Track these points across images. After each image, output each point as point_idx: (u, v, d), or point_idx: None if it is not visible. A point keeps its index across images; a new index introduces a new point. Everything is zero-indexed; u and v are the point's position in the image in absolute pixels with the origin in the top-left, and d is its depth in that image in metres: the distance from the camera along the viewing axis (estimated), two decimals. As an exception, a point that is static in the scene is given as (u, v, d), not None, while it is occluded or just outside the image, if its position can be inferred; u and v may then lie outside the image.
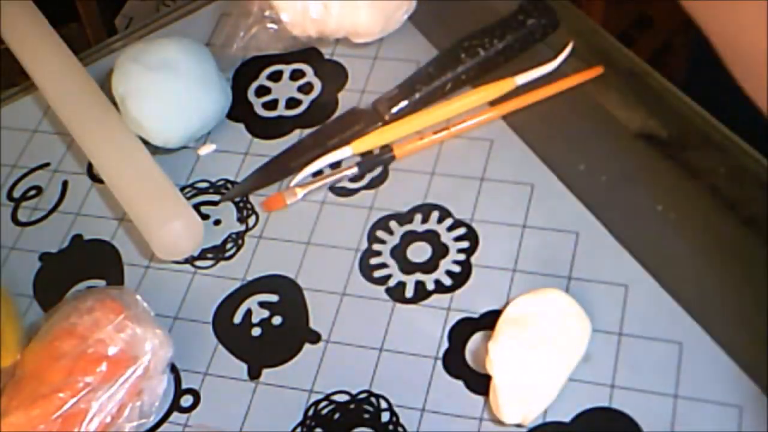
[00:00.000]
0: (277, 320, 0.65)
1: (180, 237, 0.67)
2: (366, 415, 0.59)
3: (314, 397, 0.61)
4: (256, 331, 0.65)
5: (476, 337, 0.61)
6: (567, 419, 0.57)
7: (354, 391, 0.60)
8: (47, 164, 0.77)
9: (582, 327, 0.58)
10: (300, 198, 0.70)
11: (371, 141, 0.71)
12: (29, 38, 0.80)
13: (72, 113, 0.75)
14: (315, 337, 0.63)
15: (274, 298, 0.66)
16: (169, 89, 0.72)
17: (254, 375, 0.62)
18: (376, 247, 0.67)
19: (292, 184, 0.70)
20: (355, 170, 0.70)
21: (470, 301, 0.63)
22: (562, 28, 0.73)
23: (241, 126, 0.76)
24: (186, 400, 0.63)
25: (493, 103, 0.71)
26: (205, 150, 0.75)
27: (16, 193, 0.76)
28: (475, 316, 0.62)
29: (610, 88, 0.71)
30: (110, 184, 0.71)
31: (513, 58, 0.72)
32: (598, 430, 0.57)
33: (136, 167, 0.71)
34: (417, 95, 0.72)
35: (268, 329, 0.65)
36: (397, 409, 0.59)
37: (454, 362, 0.60)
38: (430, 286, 0.64)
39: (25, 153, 0.78)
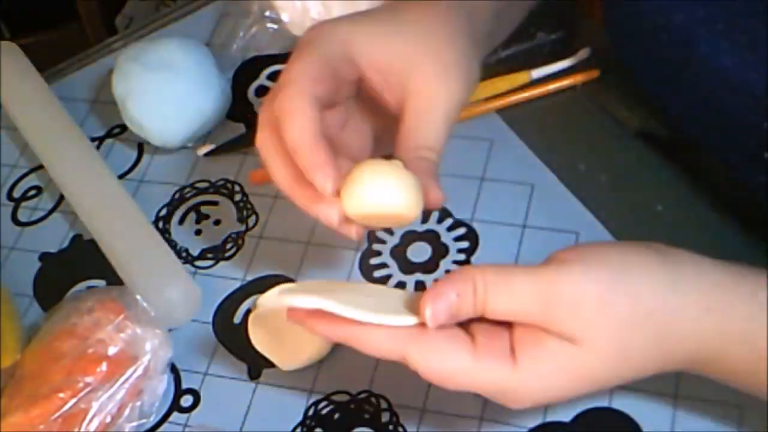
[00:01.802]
0: (277, 320, 0.65)
1: (178, 304, 0.64)
2: (366, 415, 0.59)
3: (314, 397, 0.61)
4: (256, 331, 0.65)
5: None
6: (567, 419, 0.57)
7: (354, 391, 0.60)
8: (47, 164, 0.77)
9: None
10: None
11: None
12: (32, 112, 0.77)
13: (65, 178, 0.72)
14: (315, 337, 0.63)
15: (274, 298, 0.66)
16: (169, 89, 0.72)
17: (254, 375, 0.62)
18: (376, 247, 0.67)
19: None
20: (355, 170, 0.70)
21: (470, 301, 0.62)
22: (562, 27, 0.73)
23: (241, 126, 0.76)
24: (186, 400, 0.62)
25: (490, 98, 0.71)
26: (205, 150, 0.74)
27: (16, 193, 0.76)
28: (475, 316, 0.62)
29: (610, 88, 0.71)
30: (105, 251, 0.68)
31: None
32: (598, 430, 0.57)
33: (132, 233, 0.68)
34: None
35: (268, 329, 0.64)
36: (397, 409, 0.59)
37: (454, 362, 0.60)
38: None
39: (25, 153, 0.78)
